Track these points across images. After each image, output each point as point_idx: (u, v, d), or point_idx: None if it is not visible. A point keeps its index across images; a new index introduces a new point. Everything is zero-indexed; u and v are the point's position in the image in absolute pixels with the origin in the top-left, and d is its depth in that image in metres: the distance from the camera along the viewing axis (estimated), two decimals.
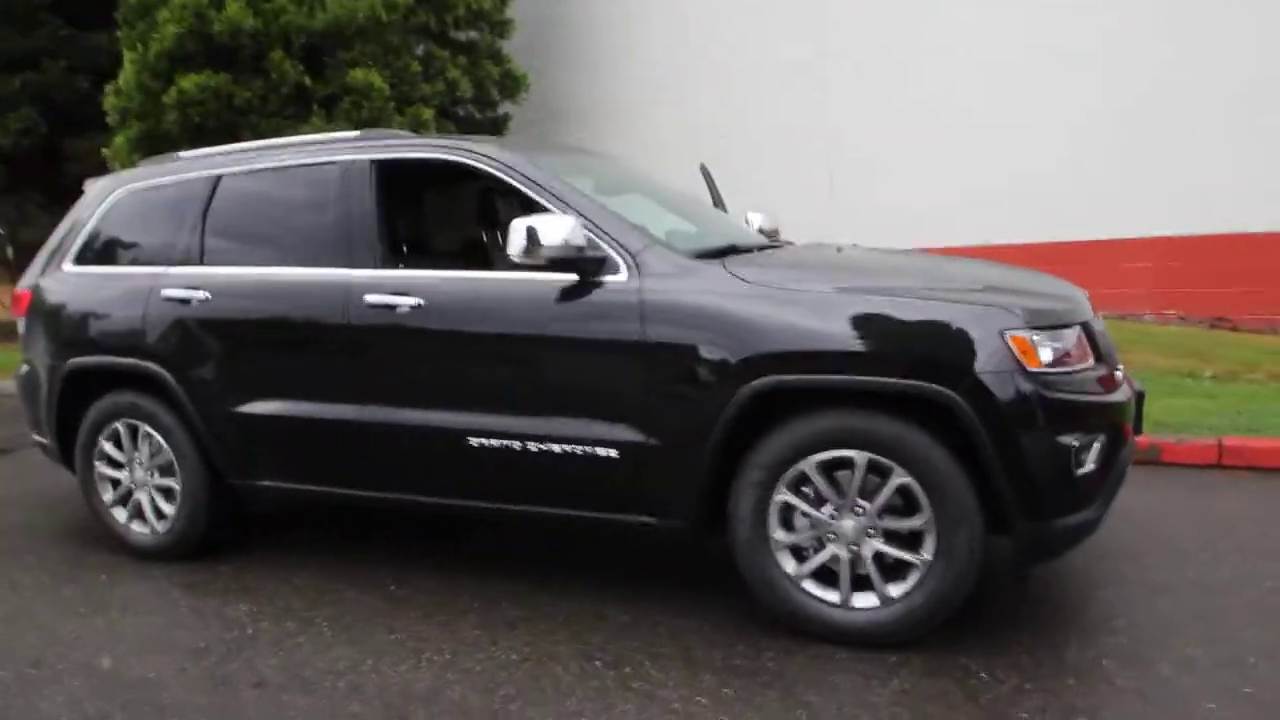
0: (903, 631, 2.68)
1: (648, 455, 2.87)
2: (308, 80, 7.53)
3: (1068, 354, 2.63)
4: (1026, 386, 2.53)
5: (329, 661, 2.82)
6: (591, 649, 2.81)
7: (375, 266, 3.29)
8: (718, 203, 4.32)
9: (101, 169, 9.66)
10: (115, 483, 3.84)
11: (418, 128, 8.08)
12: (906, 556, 2.66)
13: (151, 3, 7.31)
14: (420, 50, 8.35)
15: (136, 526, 3.81)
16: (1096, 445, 2.62)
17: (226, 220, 3.61)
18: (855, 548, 2.71)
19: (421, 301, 3.13)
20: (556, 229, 2.80)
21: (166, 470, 3.71)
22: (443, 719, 2.46)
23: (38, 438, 4.13)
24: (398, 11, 7.71)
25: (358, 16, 7.52)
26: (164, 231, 3.73)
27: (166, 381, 3.56)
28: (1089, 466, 2.60)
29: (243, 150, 3.76)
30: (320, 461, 3.42)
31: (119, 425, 3.76)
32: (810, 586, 2.77)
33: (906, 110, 8.70)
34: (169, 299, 3.57)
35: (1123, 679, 2.49)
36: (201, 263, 3.60)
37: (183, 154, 3.97)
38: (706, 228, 3.64)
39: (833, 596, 2.75)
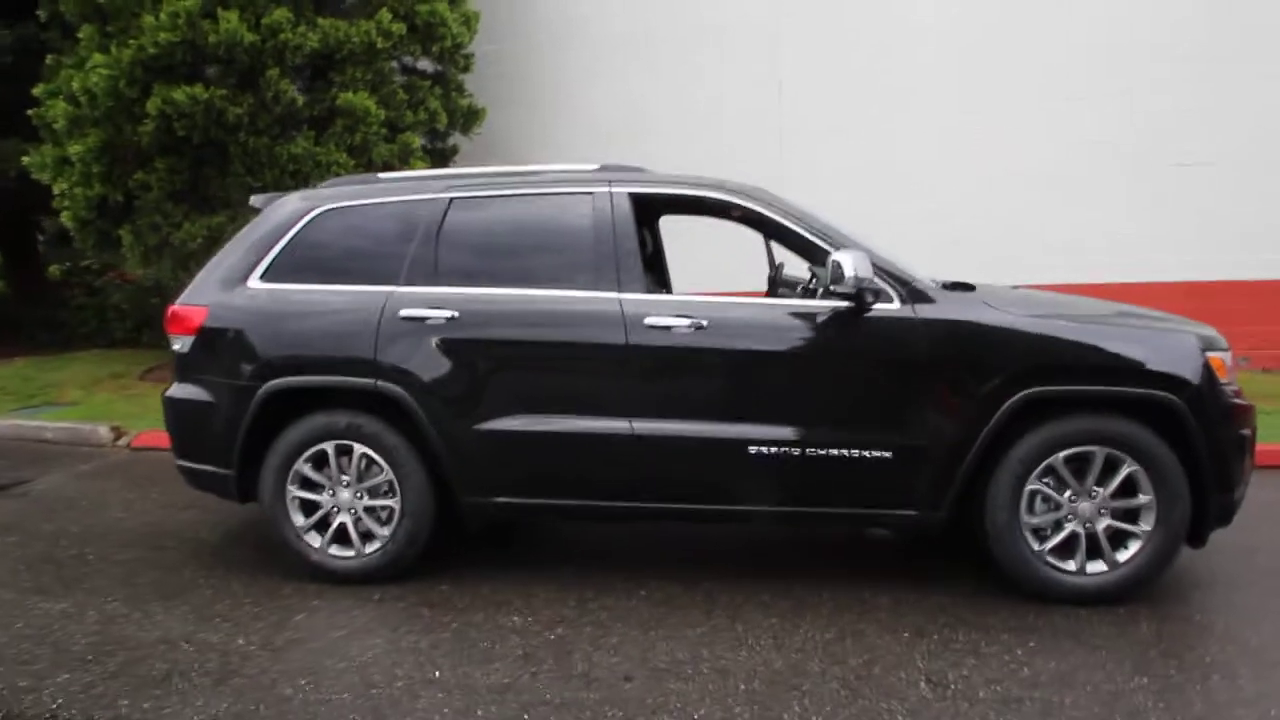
0: (1128, 589, 3.37)
1: (918, 456, 3.39)
2: (300, 100, 7.27)
3: (1229, 369, 3.49)
4: (1220, 393, 3.35)
5: (666, 654, 3.05)
6: (868, 623, 3.27)
7: (643, 290, 3.57)
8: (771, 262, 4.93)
9: (23, 181, 8.58)
10: (310, 507, 3.73)
11: (407, 156, 8.03)
12: (1133, 529, 3.37)
13: (126, 5, 6.75)
14: (401, 79, 8.30)
15: (336, 550, 3.72)
16: (1251, 436, 3.49)
17: (462, 242, 3.70)
18: (1090, 525, 3.39)
19: (705, 322, 3.47)
20: (858, 263, 3.29)
21: (380, 491, 3.68)
22: (821, 686, 2.81)
23: (191, 464, 3.88)
24: (391, 40, 7.67)
25: (353, 40, 7.40)
26: (386, 251, 3.73)
27: (402, 400, 3.57)
28: (1249, 452, 3.47)
29: (466, 175, 3.86)
30: (577, 475, 3.59)
31: (326, 447, 3.67)
32: (1053, 560, 3.40)
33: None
34: (409, 318, 3.60)
35: None
36: (438, 284, 3.66)
37: (382, 176, 3.99)
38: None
39: (1070, 566, 3.40)
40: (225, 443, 3.73)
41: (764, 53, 10.04)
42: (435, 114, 8.47)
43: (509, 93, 10.70)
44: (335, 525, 3.70)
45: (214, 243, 7.58)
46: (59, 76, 7.59)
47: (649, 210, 3.81)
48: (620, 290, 3.55)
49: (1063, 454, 3.35)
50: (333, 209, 3.82)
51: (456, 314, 3.58)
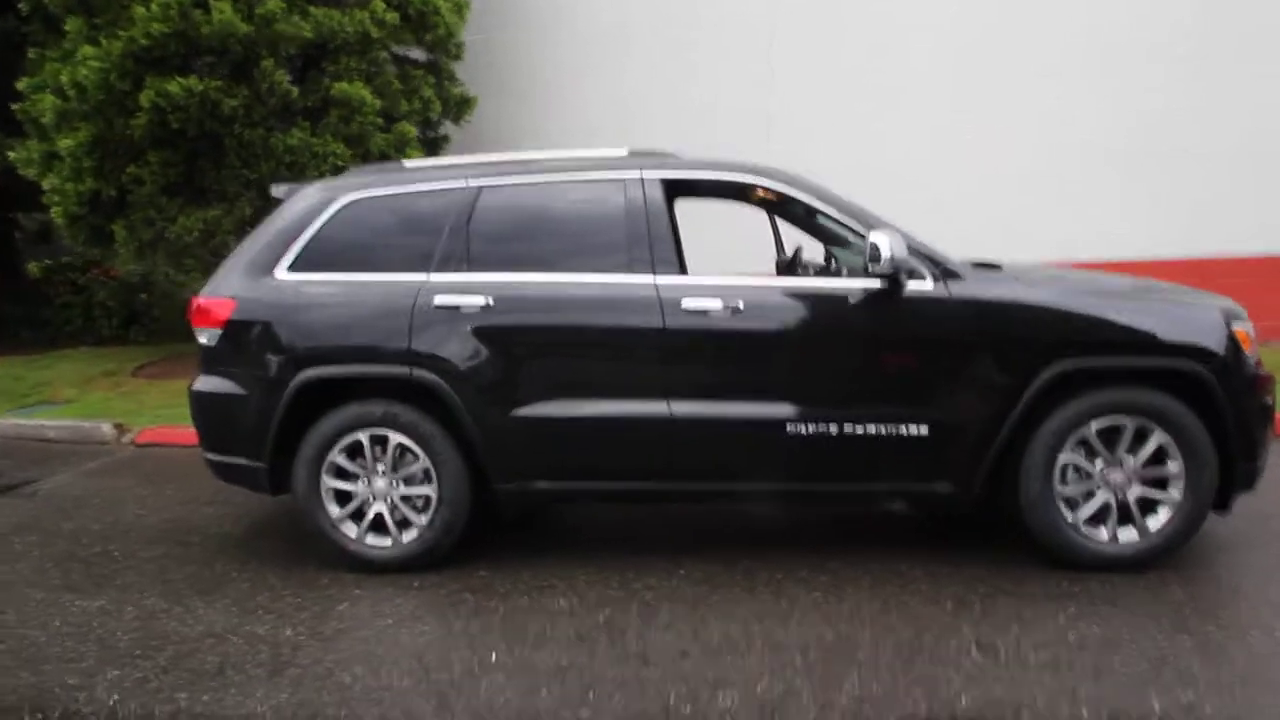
0: (1159, 556, 3.46)
1: (953, 431, 3.45)
2: (295, 91, 7.16)
3: (1252, 341, 3.58)
4: (1245, 364, 3.44)
5: (718, 630, 3.09)
6: (910, 595, 3.33)
7: (677, 274, 3.59)
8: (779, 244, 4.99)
9: (5, 176, 8.37)
10: (344, 497, 3.72)
11: (404, 146, 7.94)
12: (1162, 496, 3.45)
13: None
14: (393, 69, 8.20)
15: (372, 540, 3.71)
16: (1273, 406, 3.59)
17: (494, 229, 3.69)
18: (1121, 494, 3.46)
19: (741, 305, 3.49)
20: (895, 244, 3.33)
21: (415, 479, 3.68)
22: (875, 656, 2.87)
23: (220, 457, 3.85)
24: (385, 29, 7.57)
25: (346, 30, 7.30)
26: (416, 240, 3.71)
27: (439, 388, 3.56)
28: (1272, 421, 3.57)
29: (494, 163, 3.84)
30: (615, 458, 3.61)
31: (361, 436, 3.66)
32: (1085, 529, 3.48)
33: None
34: (443, 306, 3.58)
35: None
36: (470, 271, 3.65)
37: (407, 164, 3.96)
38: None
39: (1102, 534, 3.47)
40: (257, 435, 3.70)
41: (757, 47, 10.06)
42: (429, 103, 8.40)
43: (499, 82, 10.63)
44: (371, 514, 3.70)
45: (210, 236, 7.48)
46: (44, 70, 7.41)
47: (678, 194, 3.81)
48: (655, 274, 3.56)
49: (1094, 425, 3.42)
50: (360, 199, 3.79)
51: (491, 301, 3.57)
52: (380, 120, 7.71)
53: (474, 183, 3.73)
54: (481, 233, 3.69)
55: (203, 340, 3.83)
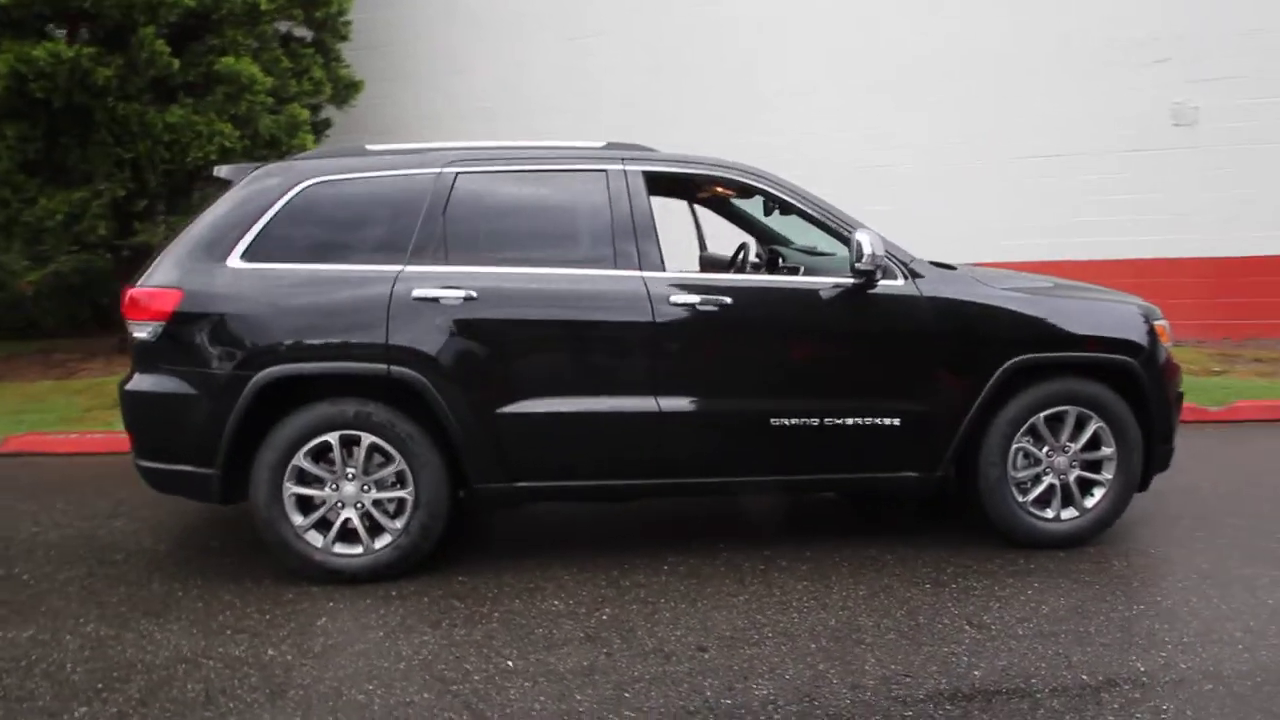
0: (1095, 532, 3.82)
1: (922, 421, 3.66)
2: (176, 64, 6.51)
3: (1168, 335, 4.01)
4: (1164, 356, 3.85)
5: (725, 622, 3.13)
6: (890, 578, 3.52)
7: (660, 269, 3.59)
8: (702, 241, 5.17)
9: None
10: (308, 504, 3.47)
11: (295, 129, 7.42)
12: (1098, 478, 3.81)
13: None
14: (279, 47, 7.64)
15: (341, 549, 3.48)
16: (1181, 394, 4.04)
17: (471, 219, 3.55)
18: (1063, 477, 3.79)
19: (729, 300, 3.54)
20: (875, 243, 3.48)
21: (388, 482, 3.48)
22: (880, 638, 3.01)
23: (159, 464, 3.49)
24: (276, 1, 7.03)
25: (235, 0, 6.73)
26: (386, 228, 3.51)
27: (419, 385, 3.39)
28: (1180, 408, 4.02)
29: (469, 149, 3.67)
30: (603, 455, 3.56)
31: (330, 438, 3.42)
32: (1034, 510, 3.78)
33: None
34: (423, 298, 3.41)
35: None
36: (447, 262, 3.49)
37: (370, 147, 3.72)
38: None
39: (1049, 514, 3.79)
40: (207, 439, 3.39)
41: (649, 38, 10.16)
42: (320, 84, 7.93)
43: (385, 65, 10.19)
44: (339, 522, 3.47)
45: (76, 220, 6.72)
46: None
47: (657, 189, 3.81)
48: (641, 269, 3.55)
49: (1043, 415, 3.73)
50: (322, 182, 3.54)
51: (475, 294, 3.43)
52: (270, 100, 7.20)
53: (449, 169, 3.58)
54: (458, 222, 3.55)
55: (140, 335, 3.45)
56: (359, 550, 3.49)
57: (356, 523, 3.48)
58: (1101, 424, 3.76)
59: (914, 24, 9.29)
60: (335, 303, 3.42)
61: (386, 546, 3.49)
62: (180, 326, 3.41)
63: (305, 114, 7.52)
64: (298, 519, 3.45)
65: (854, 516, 4.42)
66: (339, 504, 3.47)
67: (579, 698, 2.64)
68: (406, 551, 3.50)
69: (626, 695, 2.65)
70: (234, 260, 3.44)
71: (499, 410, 3.46)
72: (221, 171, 3.71)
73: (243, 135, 6.95)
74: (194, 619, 3.20)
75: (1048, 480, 3.79)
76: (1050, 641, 2.96)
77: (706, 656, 2.89)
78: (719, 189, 4.03)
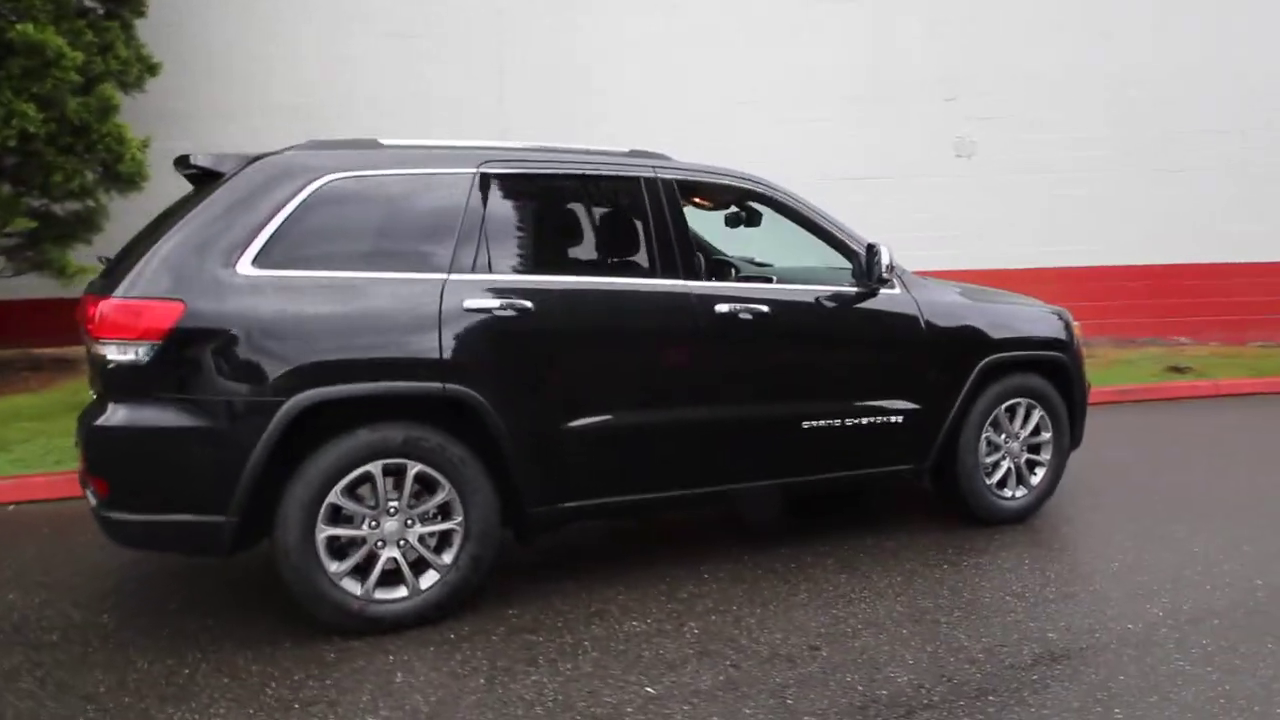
0: (1039, 506, 4.39)
1: (918, 417, 4.01)
2: None
3: (1080, 332, 4.73)
4: (1081, 351, 4.55)
5: (813, 620, 3.22)
6: (910, 564, 3.83)
7: (699, 278, 3.59)
8: None
9: None
10: (342, 547, 3.01)
11: (106, 113, 6.20)
12: (1040, 459, 4.39)
13: None
14: (75, 16, 6.34)
15: (383, 594, 3.07)
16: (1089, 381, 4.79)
17: (511, 223, 3.31)
18: (1017, 460, 4.33)
19: (765, 308, 3.62)
20: (888, 253, 3.77)
21: (434, 515, 3.13)
22: (949, 616, 3.27)
23: (147, 516, 2.85)
24: None
25: None
26: (423, 233, 3.15)
27: (478, 405, 3.09)
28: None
29: (499, 149, 3.38)
30: (658, 466, 3.48)
31: (371, 468, 3.00)
32: (996, 490, 4.28)
33: None
34: (475, 309, 3.10)
35: None
36: (490, 270, 3.21)
37: (385, 142, 3.30)
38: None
39: (1007, 494, 4.31)
40: (222, 480, 2.84)
41: (486, 44, 9.86)
42: (128, 63, 6.79)
43: (183, 48, 8.92)
44: (381, 563, 3.06)
45: None
46: None
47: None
48: (685, 278, 3.53)
49: (1003, 406, 4.25)
50: (346, 178, 3.10)
51: (531, 305, 3.20)
52: (79, 78, 6.03)
53: (485, 169, 3.30)
54: (498, 227, 3.29)
55: (121, 357, 2.81)
56: (403, 593, 3.10)
57: (402, 562, 3.09)
58: (1043, 412, 4.36)
59: (758, 52, 9.92)
60: (378, 315, 3.02)
61: (434, 585, 3.14)
62: (181, 346, 2.82)
63: (118, 96, 6.36)
64: (332, 565, 3.00)
65: (819, 513, 4.68)
66: (379, 543, 3.07)
67: (748, 712, 2.59)
68: (456, 588, 3.17)
69: (789, 702, 2.65)
70: (245, 266, 2.91)
71: (562, 427, 3.26)
72: (199, 159, 3.11)
73: (49, 117, 5.71)
74: (235, 698, 2.66)
75: (1005, 464, 4.32)
76: (1076, 602, 3.38)
77: (824, 654, 2.96)
78: (725, 199, 4.11)
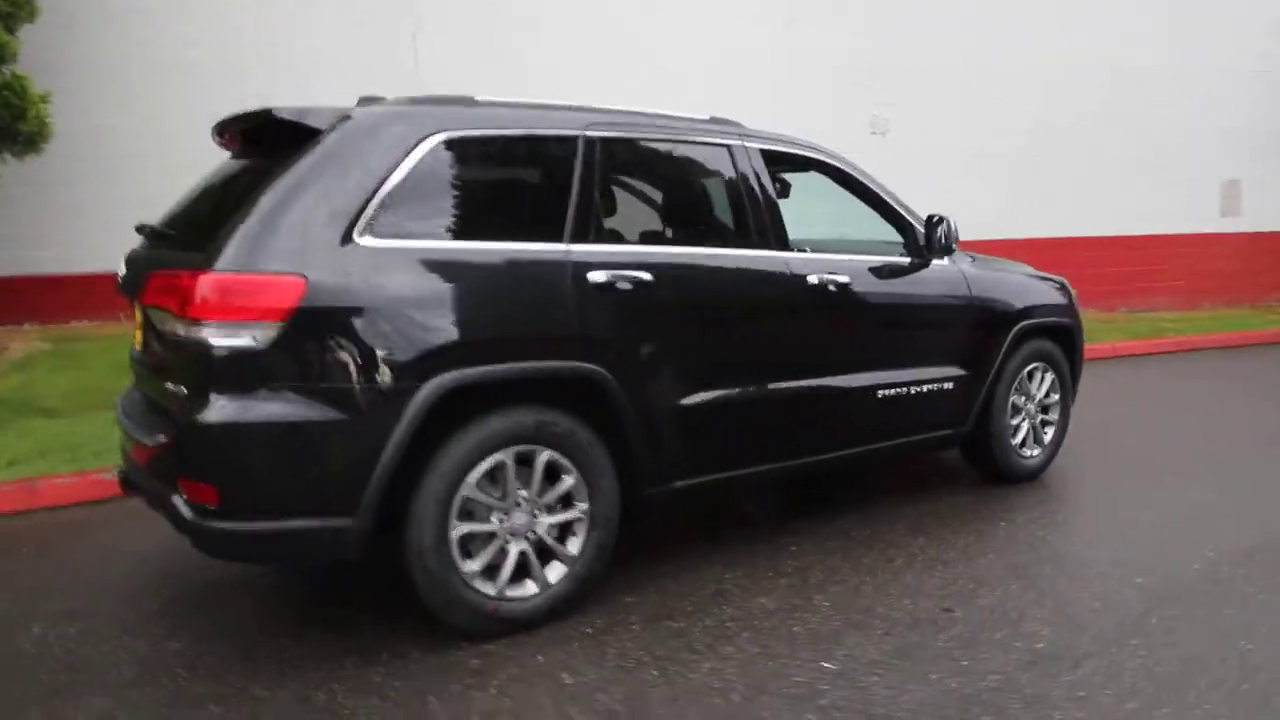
0: (1048, 464, 4.70)
1: (964, 383, 4.17)
2: None
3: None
4: (1079, 317, 4.88)
5: (916, 590, 3.28)
6: (943, 533, 4.00)
7: (788, 249, 3.53)
8: None
9: None
10: (470, 543, 2.75)
11: (2, 58, 5.23)
12: (1051, 419, 4.68)
13: None
14: None
15: (515, 592, 2.85)
16: None
17: (617, 191, 3.13)
18: (1033, 420, 4.60)
19: (847, 280, 3.62)
20: (954, 225, 3.87)
21: (558, 504, 2.93)
22: (1004, 586, 3.44)
23: (264, 525, 2.47)
24: None
25: None
26: (537, 199, 2.90)
27: (606, 385, 2.90)
28: None
29: (594, 110, 3.13)
30: (763, 440, 3.44)
31: (503, 456, 2.75)
32: (1020, 450, 4.53)
33: None
34: (599, 283, 2.90)
35: None
36: (603, 239, 3.01)
37: (480, 99, 2.98)
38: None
39: (1026, 452, 4.58)
40: (352, 477, 2.51)
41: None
42: (17, 3, 5.80)
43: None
44: (512, 558, 2.82)
45: None
46: None
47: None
48: (778, 249, 3.47)
49: (1025, 370, 4.50)
50: (459, 138, 2.79)
51: (650, 277, 3.03)
52: None
53: (588, 133, 3.07)
54: (607, 193, 3.10)
55: (231, 341, 2.41)
56: (532, 589, 2.89)
57: (531, 556, 2.87)
58: (1053, 376, 4.65)
59: (690, 35, 9.79)
60: (512, 290, 2.77)
61: (563, 578, 2.94)
62: (304, 328, 2.46)
63: (12, 41, 5.39)
64: (465, 564, 2.73)
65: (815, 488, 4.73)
66: (511, 536, 2.83)
67: (934, 677, 2.62)
68: (584, 579, 2.99)
69: (964, 663, 2.70)
70: (363, 236, 2.57)
71: (681, 403, 3.12)
72: (283, 112, 2.69)
73: None
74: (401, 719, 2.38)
75: (1025, 425, 4.58)
76: (1073, 571, 3.43)
77: (959, 615, 3.03)
78: (794, 169, 4.05)
